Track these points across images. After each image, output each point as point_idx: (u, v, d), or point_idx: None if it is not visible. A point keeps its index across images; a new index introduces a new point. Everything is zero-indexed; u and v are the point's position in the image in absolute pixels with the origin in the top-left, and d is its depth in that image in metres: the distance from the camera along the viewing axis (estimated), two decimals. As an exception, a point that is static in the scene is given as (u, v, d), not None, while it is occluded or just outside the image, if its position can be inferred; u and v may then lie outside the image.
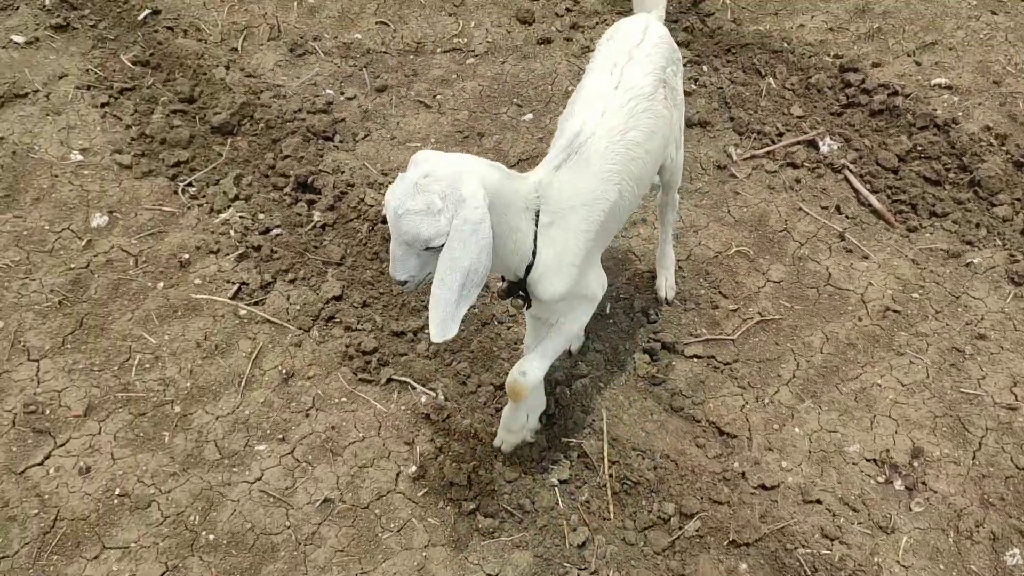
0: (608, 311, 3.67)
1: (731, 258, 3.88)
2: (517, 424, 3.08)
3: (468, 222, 2.22)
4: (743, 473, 3.15)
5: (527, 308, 2.77)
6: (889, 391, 3.38)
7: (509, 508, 3.07)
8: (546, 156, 2.71)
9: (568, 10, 5.15)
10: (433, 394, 3.38)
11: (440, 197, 2.20)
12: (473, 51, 4.96)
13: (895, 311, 3.65)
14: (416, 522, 3.04)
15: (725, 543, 2.97)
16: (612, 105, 2.73)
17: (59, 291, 3.73)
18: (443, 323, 2.27)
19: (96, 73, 4.71)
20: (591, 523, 3.04)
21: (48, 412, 3.35)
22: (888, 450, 3.18)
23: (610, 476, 3.14)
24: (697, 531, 2.99)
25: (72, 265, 3.84)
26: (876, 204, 4.07)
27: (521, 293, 2.69)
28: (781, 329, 3.62)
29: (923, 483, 3.08)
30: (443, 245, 2.23)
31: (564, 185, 2.55)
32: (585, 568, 2.92)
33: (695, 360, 3.52)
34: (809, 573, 2.85)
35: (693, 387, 3.43)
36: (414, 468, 3.17)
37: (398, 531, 3.03)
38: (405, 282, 2.35)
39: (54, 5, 5.06)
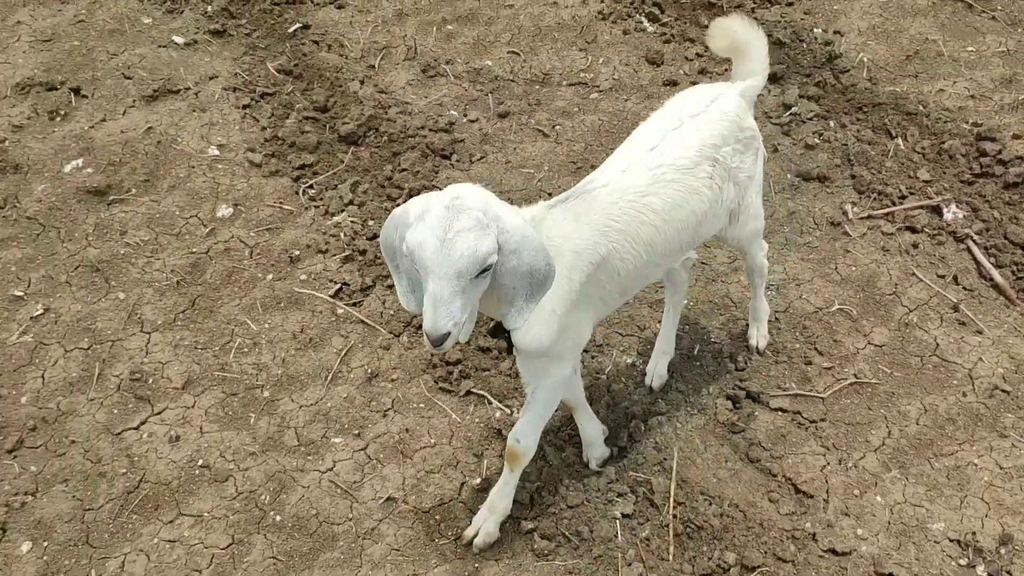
0: (696, 352, 3.62)
1: (832, 315, 3.76)
2: (503, 504, 2.94)
3: (516, 229, 2.21)
4: (814, 534, 3.03)
5: (509, 354, 2.66)
6: (985, 472, 3.19)
7: (567, 533, 3.05)
8: None
9: (699, 55, 5.16)
10: (508, 411, 3.41)
11: (482, 212, 2.14)
12: (598, 86, 5.03)
13: (1004, 391, 3.45)
14: (472, 532, 3.06)
15: (791, 612, 2.86)
16: (638, 166, 2.61)
17: (178, 272, 3.98)
18: (520, 314, 2.29)
19: (243, 77, 5.03)
20: (648, 561, 2.98)
21: (151, 381, 3.57)
22: (975, 533, 3.00)
23: (674, 517, 3.08)
24: (760, 592, 2.89)
25: (194, 250, 4.09)
26: (998, 278, 3.87)
27: (506, 334, 2.54)
28: (876, 394, 3.47)
29: (1008, 572, 2.88)
30: (491, 269, 2.16)
31: (555, 224, 2.45)
32: (629, 603, 2.87)
33: (779, 413, 3.42)
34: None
35: (773, 440, 3.33)
36: (479, 480, 3.20)
37: (455, 539, 3.06)
38: (447, 335, 2.11)
39: (215, 12, 5.45)
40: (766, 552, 2.96)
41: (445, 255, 2.07)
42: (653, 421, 3.36)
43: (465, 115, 4.86)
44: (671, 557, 3.00)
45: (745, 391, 3.47)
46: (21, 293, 3.90)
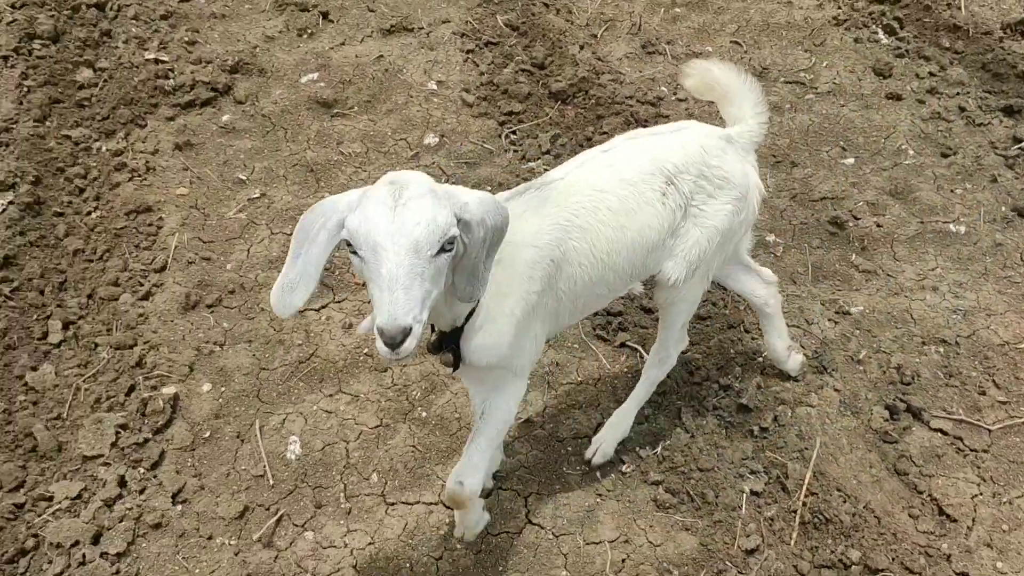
0: (862, 357, 3.52)
1: (1019, 352, 3.55)
2: (473, 523, 2.83)
3: (474, 198, 2.03)
4: (949, 556, 2.90)
5: (454, 370, 2.38)
6: None
7: (692, 493, 3.07)
8: None
9: (931, 74, 4.96)
10: (658, 369, 3.45)
11: (431, 187, 1.96)
12: (816, 88, 4.94)
13: None
14: (599, 472, 3.14)
15: (903, 613, 2.76)
16: (593, 163, 2.47)
17: (380, 185, 4.28)
18: (480, 282, 2.07)
19: (473, 25, 5.31)
20: (768, 539, 2.96)
21: (337, 274, 3.87)
22: None
23: (804, 504, 3.04)
24: (878, 588, 2.81)
25: (396, 167, 4.38)
26: None
27: (453, 347, 2.30)
28: (1051, 439, 3.26)
29: None
30: (453, 248, 1.96)
31: (513, 218, 2.17)
32: (745, 574, 2.85)
33: (938, 434, 3.28)
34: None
35: (926, 458, 3.20)
36: (616, 424, 3.26)
37: (582, 473, 3.14)
38: (407, 331, 1.82)
39: (460, -35, 5.77)
40: (894, 559, 2.87)
41: (399, 224, 1.84)
42: (802, 411, 3.31)
43: (675, 94, 4.91)
44: (792, 542, 2.95)
45: (907, 404, 3.35)
46: (244, 177, 4.32)
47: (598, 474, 3.15)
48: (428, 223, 1.87)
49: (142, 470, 3.07)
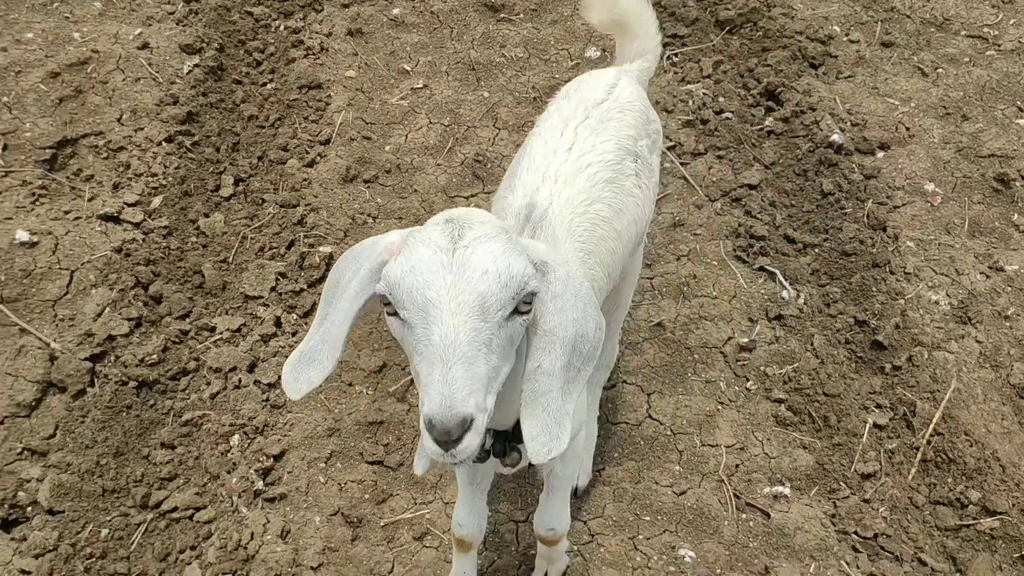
0: (1010, 314, 3.42)
1: None
2: (560, 557, 2.56)
3: (555, 262, 1.54)
4: (1076, 514, 2.83)
5: (509, 466, 1.87)
6: None
7: (814, 415, 3.09)
8: None
9: None
10: (796, 294, 3.45)
11: (503, 229, 1.51)
12: (999, 45, 4.71)
13: None
14: (723, 383, 3.19)
15: (1015, 556, 2.73)
16: (567, 170, 2.07)
17: (539, 89, 4.36)
18: (548, 430, 1.48)
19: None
20: (885, 468, 2.95)
21: (488, 167, 3.99)
22: None
23: (928, 442, 3.01)
24: (992, 530, 2.77)
25: (556, 76, 4.45)
26: None
27: (517, 446, 1.80)
28: None
29: None
30: (530, 309, 1.47)
31: None
32: (858, 494, 2.87)
33: (1085, 400, 3.17)
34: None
35: (1065, 419, 3.10)
36: (746, 340, 3.30)
37: (705, 381, 3.20)
38: (468, 422, 1.33)
39: None
40: (1014, 505, 2.82)
41: (459, 274, 1.38)
42: (939, 355, 3.25)
43: (847, 35, 4.77)
44: (911, 476, 2.94)
45: (1053, 365, 3.24)
46: (409, 68, 4.48)
47: (722, 384, 3.20)
48: (500, 273, 1.38)
49: (295, 316, 3.30)
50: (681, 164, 4.00)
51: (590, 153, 2.14)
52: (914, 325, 3.37)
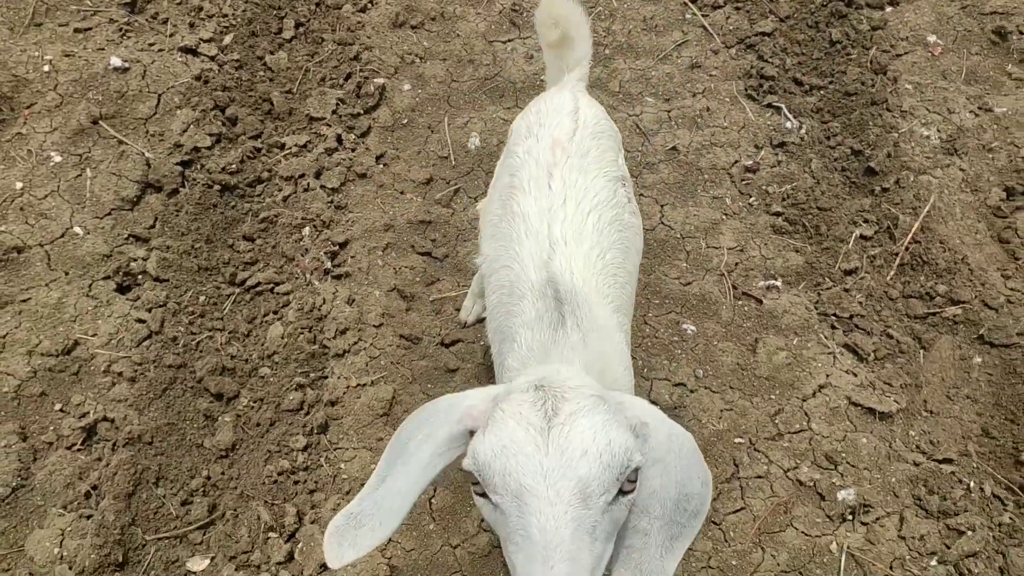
0: (994, 147, 3.79)
1: None
2: None
3: (656, 420, 1.42)
4: (1030, 307, 3.27)
5: None
6: None
7: (807, 225, 3.52)
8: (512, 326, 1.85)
9: None
10: (799, 125, 3.84)
11: (598, 393, 1.39)
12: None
13: None
14: (728, 199, 3.62)
15: (973, 337, 3.18)
16: (572, 228, 1.95)
17: None
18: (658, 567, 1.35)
19: None
20: (866, 267, 3.40)
21: (524, 15, 4.36)
22: None
23: (906, 248, 3.44)
24: (955, 316, 3.22)
25: None
26: None
27: None
28: None
29: None
30: (634, 487, 1.32)
31: (592, 359, 1.69)
32: (839, 286, 3.33)
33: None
34: (1034, 387, 2.99)
35: (1032, 234, 3.51)
36: (750, 163, 3.71)
37: (712, 197, 3.63)
38: None
39: None
40: (976, 296, 3.26)
41: (556, 456, 1.25)
42: (924, 179, 3.65)
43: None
44: (889, 276, 3.38)
45: (1025, 188, 3.63)
46: (452, -73, 4.81)
47: (727, 200, 3.63)
48: (601, 452, 1.25)
49: (354, 136, 3.76)
50: (702, 16, 4.35)
51: (585, 199, 2.01)
52: (904, 154, 3.76)
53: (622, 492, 1.28)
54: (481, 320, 3.10)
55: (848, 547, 2.67)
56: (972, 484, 2.79)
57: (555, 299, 1.77)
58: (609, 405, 1.34)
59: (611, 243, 2.00)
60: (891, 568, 2.64)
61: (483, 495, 1.29)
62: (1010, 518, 2.76)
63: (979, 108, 3.95)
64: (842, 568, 2.64)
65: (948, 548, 2.64)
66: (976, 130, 3.87)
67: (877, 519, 2.72)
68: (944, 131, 3.86)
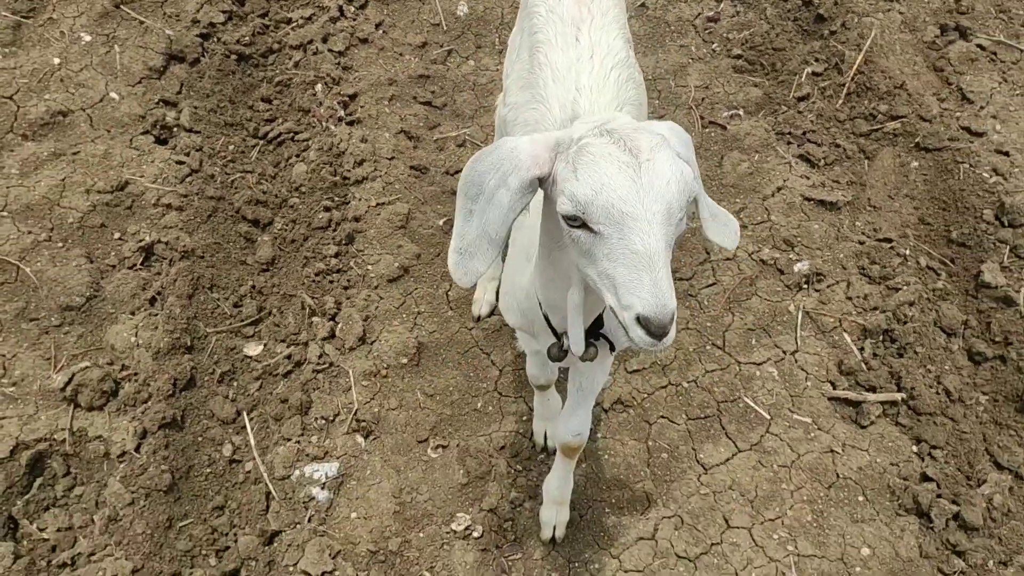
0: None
1: (1068, -2, 4.17)
2: (568, 490, 2.62)
3: (675, 134, 1.70)
4: (958, 116, 3.71)
5: (588, 359, 1.93)
6: None
7: (764, 63, 3.95)
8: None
9: None
10: (754, -20, 4.26)
11: (662, 135, 1.59)
12: None
13: None
14: (693, 46, 4.04)
15: (911, 146, 3.64)
16: (596, 79, 2.18)
17: None
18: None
19: None
20: (816, 96, 3.84)
21: None
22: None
23: (852, 79, 3.88)
24: (895, 130, 3.68)
25: None
26: None
27: (594, 342, 1.92)
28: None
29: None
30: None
31: None
32: (793, 110, 3.77)
33: (977, 48, 4.01)
34: (964, 176, 3.46)
35: (962, 61, 3.95)
36: (712, 14, 4.13)
37: (679, 46, 4.06)
38: (674, 315, 1.46)
39: None
40: (914, 112, 3.72)
41: (648, 186, 1.47)
42: (867, 20, 4.08)
43: None
44: (839, 104, 3.83)
45: (956, 24, 4.07)
46: None
47: (692, 47, 4.05)
48: (678, 180, 1.49)
49: (354, 8, 4.15)
50: None
51: (608, 55, 2.23)
52: (850, 1, 4.19)
53: (684, 216, 1.53)
54: (494, 312, 3.12)
55: (804, 307, 3.15)
56: (908, 253, 3.27)
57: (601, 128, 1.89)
58: (671, 141, 1.58)
59: (628, 99, 2.19)
60: (839, 322, 3.12)
61: (581, 227, 1.50)
62: (943, 284, 3.25)
63: (916, -39, 4.37)
64: (799, 323, 3.12)
65: (887, 301, 3.13)
66: (913, -22, 4.29)
67: (828, 285, 3.21)
68: (885, -20, 4.28)
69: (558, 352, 1.97)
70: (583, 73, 2.16)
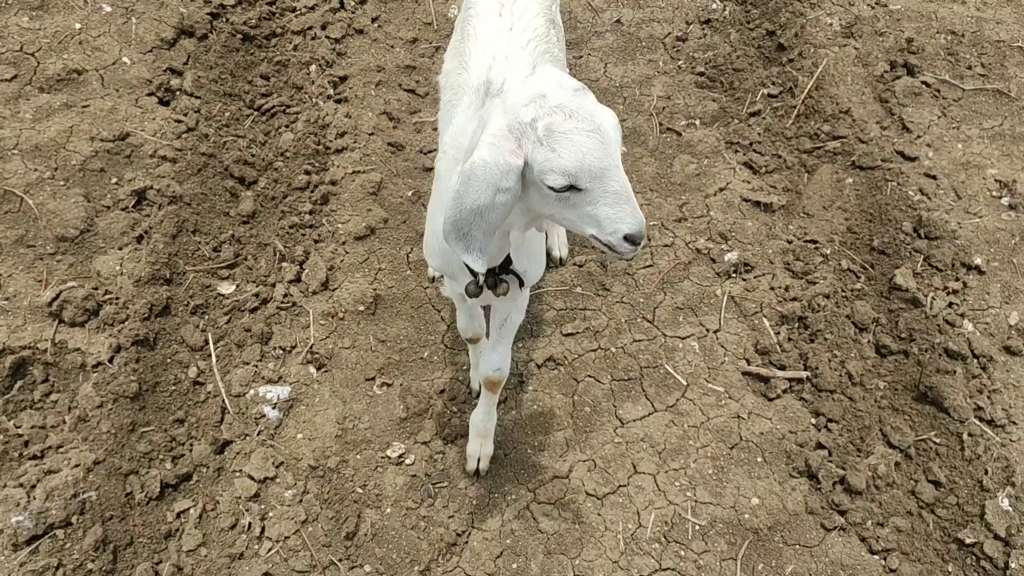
0: (884, 31, 4.58)
1: (1011, 48, 4.53)
2: (492, 424, 2.89)
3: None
4: (895, 143, 4.05)
5: (501, 294, 2.26)
6: None
7: (724, 81, 4.30)
8: (454, 114, 2.36)
9: None
10: (723, 7, 4.62)
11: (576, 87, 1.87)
12: None
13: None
14: (661, 61, 4.40)
15: (848, 164, 3.97)
16: (512, 49, 2.41)
17: None
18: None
19: None
20: (768, 115, 4.18)
21: None
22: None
23: (803, 102, 4.22)
24: (835, 149, 4.01)
25: None
26: None
27: (512, 274, 2.26)
28: (1010, 102, 4.28)
29: None
30: None
31: None
32: (744, 123, 4.11)
33: (922, 85, 4.36)
34: (891, 193, 3.78)
35: (906, 95, 4.30)
36: (680, 34, 4.49)
37: (648, 60, 4.41)
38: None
39: None
40: (853, 134, 4.05)
41: (608, 140, 1.80)
42: (823, 51, 4.44)
43: None
44: (789, 123, 4.17)
45: (905, 62, 4.42)
46: None
47: (660, 62, 4.41)
48: (615, 121, 1.83)
49: (354, 2, 4.52)
50: (651, -74, 5.13)
51: (527, 30, 2.49)
52: (810, 35, 4.55)
53: None
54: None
55: (730, 293, 3.46)
56: (830, 254, 3.59)
57: (486, 93, 2.22)
58: (586, 88, 1.84)
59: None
60: (760, 308, 3.43)
61: (569, 189, 1.78)
62: (860, 286, 3.56)
63: (876, 3, 4.75)
64: (723, 305, 3.43)
65: (805, 292, 3.44)
66: (871, 19, 4.66)
67: (755, 276, 3.52)
68: (844, 20, 4.65)
69: (475, 288, 2.21)
70: (500, 44, 2.42)
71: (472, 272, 2.18)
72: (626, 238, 1.79)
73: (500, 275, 2.20)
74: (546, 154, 1.76)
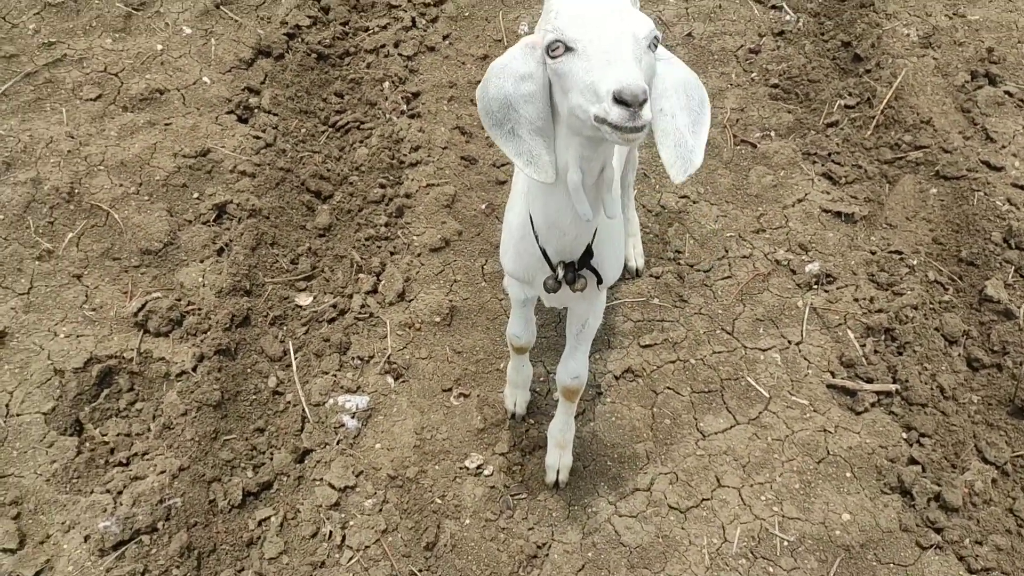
0: (963, 41, 4.48)
1: (1099, 54, 4.38)
2: (570, 435, 2.87)
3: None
4: (979, 152, 3.94)
5: (578, 290, 2.16)
6: None
7: (799, 93, 4.24)
8: None
9: None
10: (796, 19, 4.56)
11: None
12: None
13: None
14: (734, 74, 4.35)
15: (931, 173, 3.87)
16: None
17: None
18: (692, 154, 1.76)
19: None
20: (846, 125, 4.10)
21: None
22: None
23: (882, 112, 4.14)
24: (917, 159, 3.91)
25: None
26: None
27: (590, 270, 2.15)
28: (1100, 110, 4.14)
29: None
30: (657, 49, 1.75)
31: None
32: (822, 134, 4.03)
33: (1005, 95, 4.24)
34: (978, 203, 3.67)
35: (989, 105, 4.18)
36: (753, 46, 4.44)
37: (720, 73, 4.37)
38: (646, 94, 1.53)
39: None
40: (936, 144, 3.94)
41: (602, 5, 1.67)
42: (901, 62, 4.35)
43: None
44: (869, 132, 4.08)
45: (986, 72, 4.30)
46: None
47: (733, 75, 4.37)
48: (644, 25, 1.67)
49: (425, 21, 4.57)
50: (720, -59, 5.10)
51: None
52: (887, 46, 4.47)
53: (651, 49, 1.67)
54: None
55: (812, 304, 3.38)
56: (916, 264, 3.48)
57: None
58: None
59: None
60: (844, 319, 3.34)
61: (564, 52, 1.64)
62: (949, 298, 3.44)
63: (954, 14, 4.64)
64: (805, 317, 3.35)
65: (891, 304, 3.34)
66: (950, 30, 4.56)
67: (837, 288, 3.43)
68: (921, 30, 4.55)
69: (553, 283, 2.10)
70: None
71: (551, 267, 2.10)
72: (615, 99, 1.52)
73: (579, 270, 2.09)
74: (548, 17, 1.73)
